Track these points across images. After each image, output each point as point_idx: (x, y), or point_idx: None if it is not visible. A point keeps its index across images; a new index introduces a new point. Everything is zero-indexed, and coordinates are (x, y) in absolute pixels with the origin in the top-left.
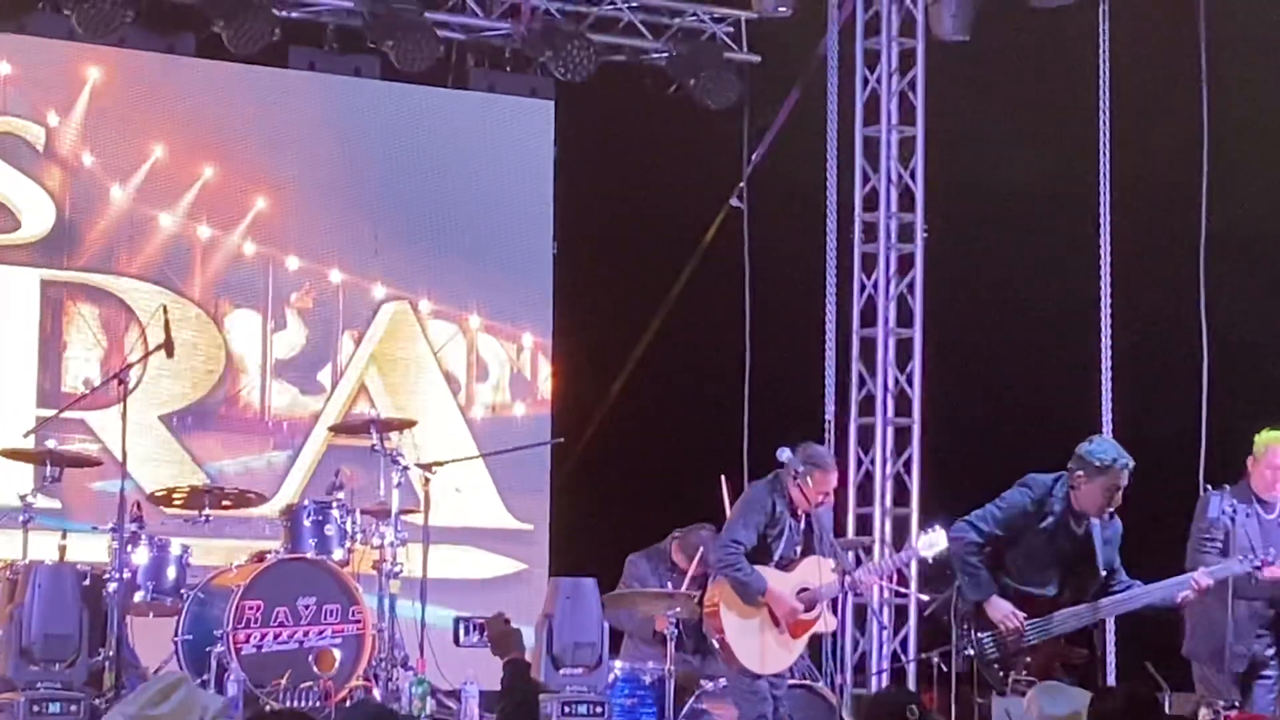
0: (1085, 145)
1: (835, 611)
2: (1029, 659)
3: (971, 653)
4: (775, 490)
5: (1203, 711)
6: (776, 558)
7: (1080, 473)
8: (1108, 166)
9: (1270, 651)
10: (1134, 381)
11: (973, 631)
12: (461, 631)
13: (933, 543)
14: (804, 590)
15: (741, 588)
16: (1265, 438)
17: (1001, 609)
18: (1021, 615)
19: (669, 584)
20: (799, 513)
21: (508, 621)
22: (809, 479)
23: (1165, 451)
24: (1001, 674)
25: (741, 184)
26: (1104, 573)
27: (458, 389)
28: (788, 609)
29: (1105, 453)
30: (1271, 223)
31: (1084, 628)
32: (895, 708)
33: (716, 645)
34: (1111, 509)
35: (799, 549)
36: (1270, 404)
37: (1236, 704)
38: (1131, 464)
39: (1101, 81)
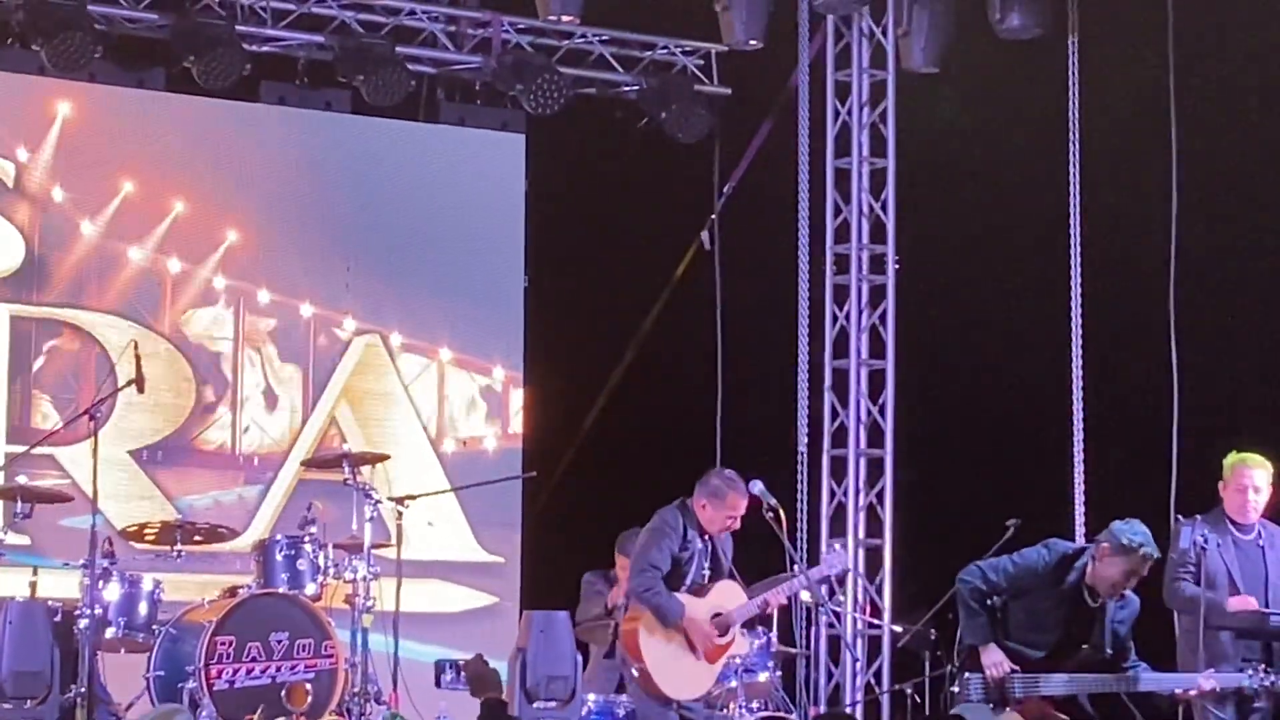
0: (1056, 175)
1: (795, 644)
2: (1009, 710)
3: (956, 690)
4: (685, 514)
5: None
6: (688, 582)
7: (1105, 545)
8: (1078, 197)
9: (1256, 682)
10: (1106, 411)
11: (962, 670)
12: (442, 673)
13: (833, 563)
14: (718, 615)
15: (660, 613)
16: (1232, 460)
17: (994, 658)
18: (1011, 668)
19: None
20: (705, 536)
21: (486, 663)
22: (709, 503)
23: (1137, 482)
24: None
25: (713, 216)
26: (1110, 651)
27: (429, 422)
28: (702, 633)
29: (1135, 536)
30: (1240, 248)
31: (1071, 695)
32: None
33: (635, 674)
34: (1123, 591)
35: (707, 573)
36: (1241, 429)
37: None
38: (1155, 555)
39: (1071, 112)
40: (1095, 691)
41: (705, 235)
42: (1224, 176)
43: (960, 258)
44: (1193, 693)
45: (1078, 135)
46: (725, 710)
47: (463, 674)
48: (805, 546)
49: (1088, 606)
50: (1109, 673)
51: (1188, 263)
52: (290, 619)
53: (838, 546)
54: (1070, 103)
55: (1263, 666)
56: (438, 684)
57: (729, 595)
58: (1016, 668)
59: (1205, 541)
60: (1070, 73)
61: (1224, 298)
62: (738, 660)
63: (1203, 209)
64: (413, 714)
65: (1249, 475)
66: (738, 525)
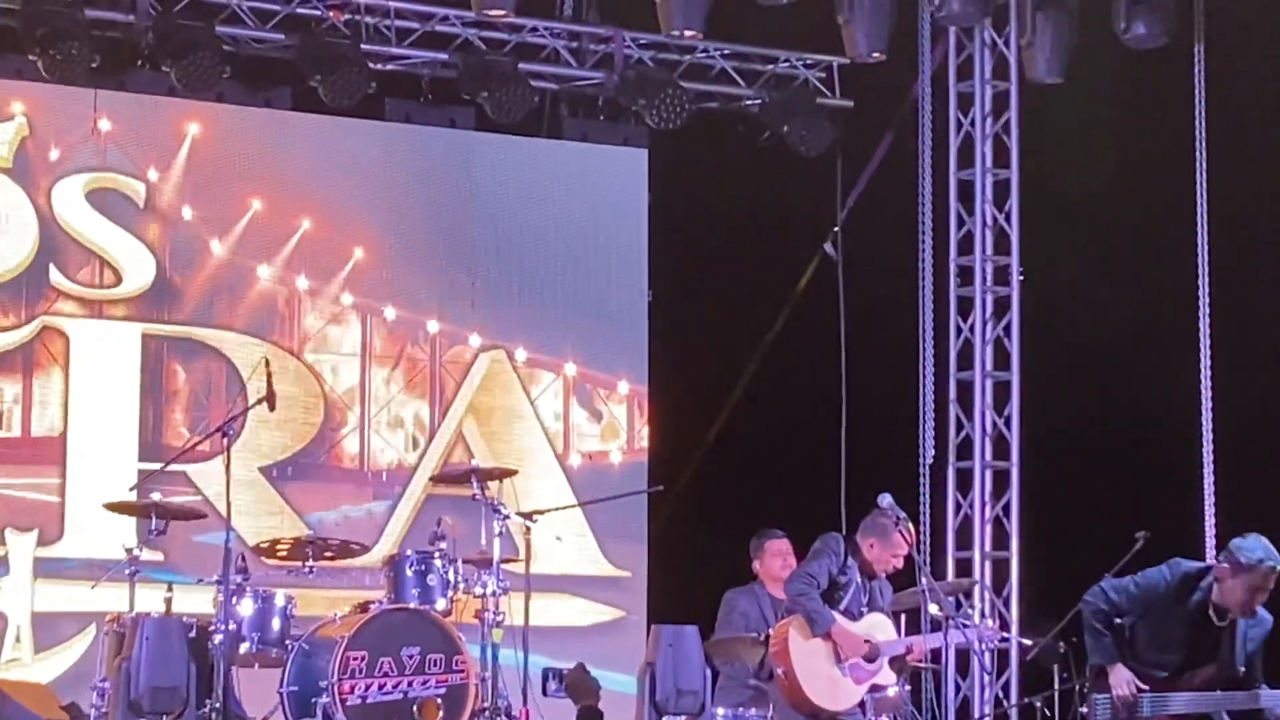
0: (1183, 184)
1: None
2: None
3: (1085, 710)
4: (849, 545)
5: None
6: (842, 608)
7: (1226, 566)
8: (1204, 204)
9: None
10: (1236, 421)
11: (1091, 691)
12: (547, 681)
13: (981, 636)
14: (868, 641)
15: (811, 618)
16: None
17: (1122, 677)
18: (1139, 688)
19: (775, 616)
20: (866, 577)
21: (586, 671)
22: (876, 543)
23: (1267, 494)
24: None
25: (836, 229)
26: (1241, 669)
27: (554, 437)
28: (854, 645)
29: (1254, 551)
30: None
31: (1203, 716)
32: None
33: (781, 675)
34: (1253, 608)
35: (865, 609)
36: None
37: None
38: (1279, 566)
39: (1198, 121)
40: (1221, 709)
41: (829, 246)
42: None
43: (1085, 268)
44: None
45: (1204, 144)
46: None
47: (564, 682)
48: (931, 559)
49: (1214, 625)
50: (1240, 691)
51: None
52: (421, 634)
53: (991, 623)
54: (1197, 111)
55: None
56: (544, 692)
57: (881, 628)
58: (1145, 687)
59: None
60: (1196, 81)
61: None
62: (879, 691)
63: None
64: None
65: None
66: (901, 565)
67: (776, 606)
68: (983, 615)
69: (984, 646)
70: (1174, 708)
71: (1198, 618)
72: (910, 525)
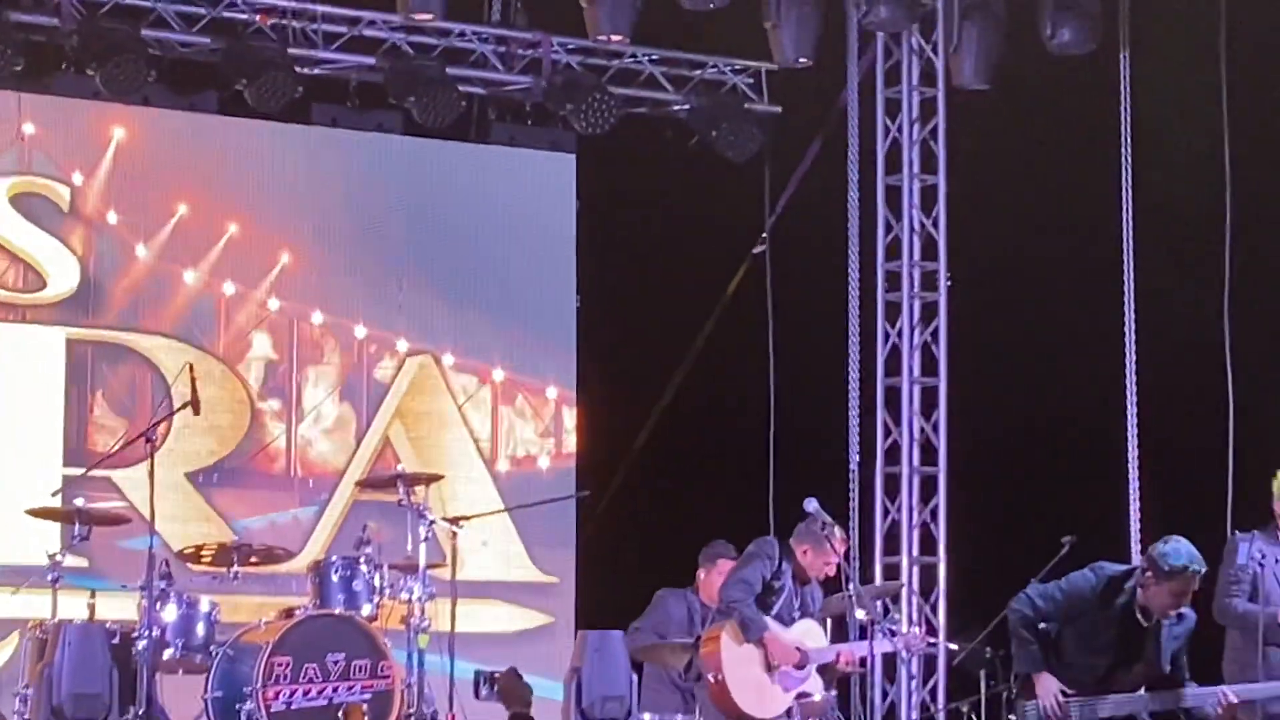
0: (1108, 190)
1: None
2: None
3: (1013, 718)
4: (783, 550)
5: None
6: (774, 613)
7: (1149, 573)
8: (1130, 212)
9: None
10: (1161, 425)
11: (1019, 698)
12: (480, 685)
13: (908, 644)
14: (799, 649)
15: (745, 624)
16: None
17: (1049, 687)
18: (1065, 695)
19: (702, 625)
20: (801, 580)
21: (519, 676)
22: (810, 549)
23: (1192, 497)
24: None
25: (764, 234)
26: (1167, 668)
27: (482, 442)
28: (785, 652)
29: (1177, 558)
30: None
31: (1129, 716)
32: None
33: (711, 681)
34: (1176, 611)
35: (797, 615)
36: None
37: None
38: (1202, 569)
39: (1124, 126)
40: (1146, 710)
41: (758, 252)
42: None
43: (1012, 274)
44: (1222, 708)
45: (1129, 150)
46: None
47: (496, 686)
48: (859, 564)
49: (1140, 627)
50: (1165, 690)
51: (1244, 276)
52: (346, 640)
53: (918, 630)
54: (1123, 117)
55: None
56: (476, 695)
57: (811, 635)
58: (1072, 692)
59: (1263, 557)
60: (1122, 87)
61: None
62: (806, 697)
63: (1259, 222)
64: None
65: None
66: (834, 572)
67: (706, 615)
68: (910, 621)
69: (911, 654)
70: (1102, 711)
71: (1124, 620)
72: (839, 529)
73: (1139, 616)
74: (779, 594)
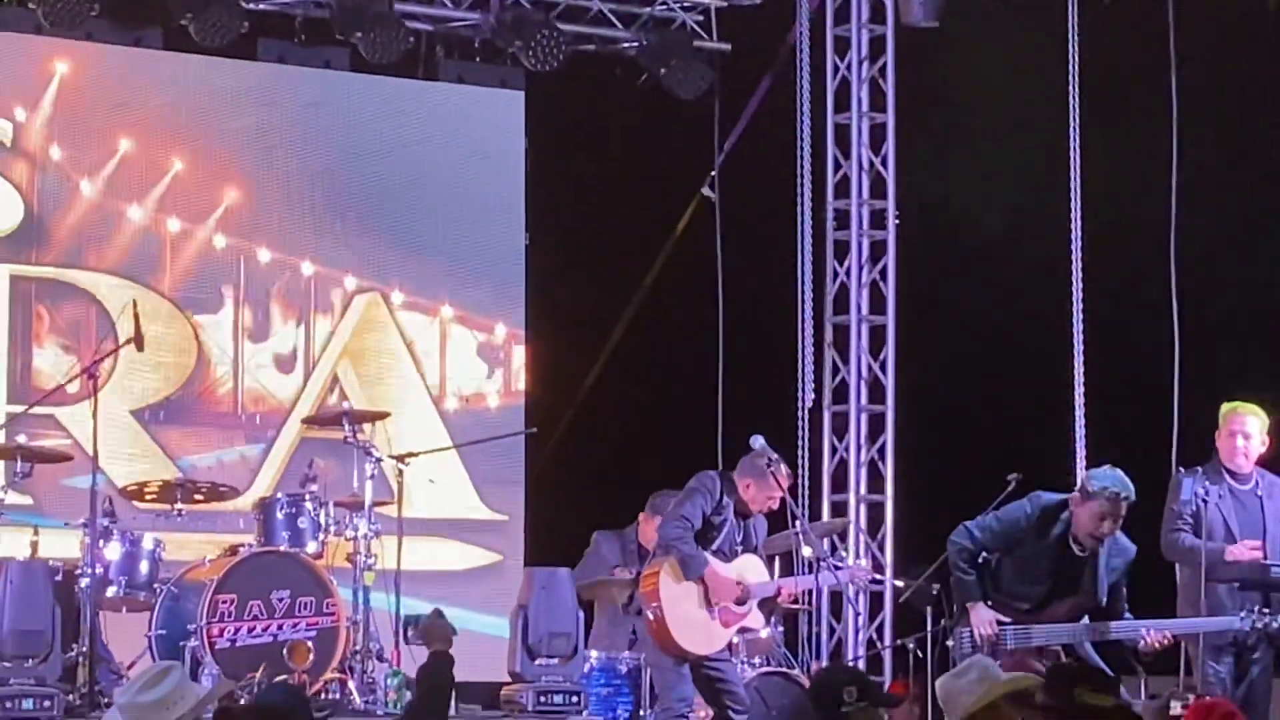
0: (1056, 129)
1: (804, 601)
2: (999, 662)
3: (950, 644)
4: (724, 483)
5: (1174, 703)
6: (714, 548)
7: (1077, 495)
8: (1078, 149)
9: (1248, 624)
10: (1108, 363)
11: (956, 626)
12: (407, 629)
13: (853, 577)
14: (739, 584)
15: (684, 561)
16: (1226, 407)
17: (983, 616)
18: (1000, 624)
19: (634, 567)
20: (743, 514)
21: (441, 616)
22: (753, 484)
23: (1138, 435)
24: None
25: (713, 173)
26: (1103, 599)
27: (430, 380)
28: (726, 589)
29: (1101, 479)
30: (1244, 201)
31: (1064, 645)
32: (832, 688)
33: (650, 618)
34: (1100, 536)
35: (739, 548)
36: (1243, 383)
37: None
38: (1126, 494)
39: (1071, 64)
40: (1081, 639)
41: (707, 190)
42: (1227, 126)
43: (960, 213)
44: (1145, 642)
45: (1077, 87)
46: None
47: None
48: (807, 502)
49: (1075, 556)
50: (1101, 621)
51: (1191, 214)
52: (291, 577)
53: (864, 563)
54: (1070, 55)
55: (1257, 608)
56: (405, 640)
57: (752, 569)
58: (1007, 620)
59: (1206, 494)
60: (1070, 24)
61: (1227, 248)
62: (750, 633)
63: (1205, 161)
64: (415, 671)
65: (1240, 421)
66: (777, 506)
67: (642, 556)
68: (856, 557)
69: (856, 587)
70: (1035, 639)
71: (1059, 550)
72: (784, 466)
73: (1074, 546)
74: (720, 529)
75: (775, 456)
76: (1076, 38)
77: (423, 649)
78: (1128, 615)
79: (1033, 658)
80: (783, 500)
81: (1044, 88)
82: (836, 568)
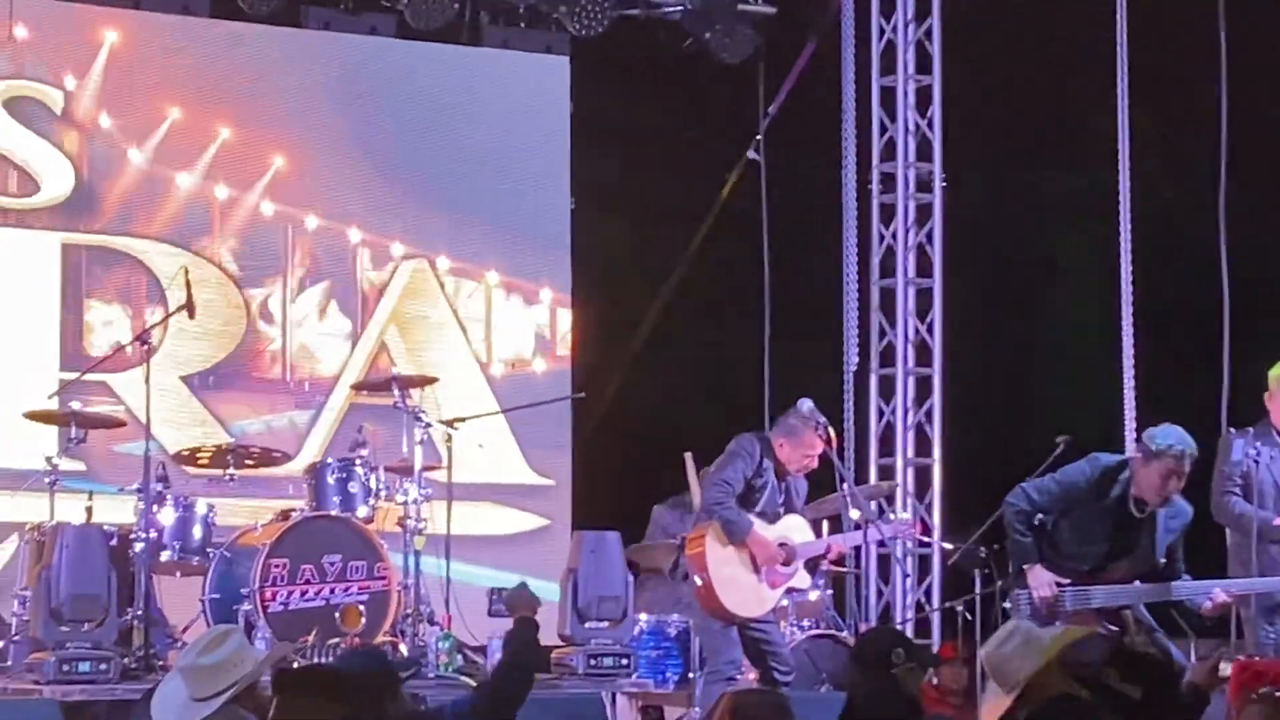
0: (1103, 88)
1: (845, 563)
2: (1058, 624)
3: (1008, 605)
4: (763, 445)
5: (1224, 665)
6: (757, 510)
7: (1139, 455)
8: (1125, 105)
9: None
10: (1156, 326)
11: (1013, 588)
12: (492, 601)
13: (897, 530)
14: (783, 544)
15: (728, 526)
16: (1276, 371)
17: (1041, 578)
18: (1059, 586)
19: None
20: (780, 477)
21: (525, 588)
22: (786, 442)
23: (1188, 395)
24: None
25: (758, 136)
26: (1162, 560)
27: (477, 345)
28: (770, 553)
29: (1164, 438)
30: None
31: (1123, 607)
32: (881, 650)
33: (698, 583)
34: (1166, 495)
35: (781, 509)
36: None
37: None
38: (1191, 451)
39: (1119, 22)
40: (1139, 601)
41: (752, 153)
42: (1278, 86)
43: (1007, 174)
44: (1212, 603)
45: (1124, 46)
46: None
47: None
48: (854, 465)
49: (1134, 517)
50: (1159, 583)
51: (1240, 165)
52: (343, 541)
53: (905, 515)
54: (1118, 14)
55: None
56: (489, 612)
57: (797, 529)
58: (1066, 581)
59: (1258, 454)
60: None
61: (1277, 209)
62: (799, 594)
63: (1256, 122)
64: (465, 635)
65: None
66: (815, 464)
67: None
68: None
69: (902, 540)
70: (1095, 601)
71: (1118, 511)
72: (830, 429)
73: (1132, 508)
74: (761, 491)
75: (822, 420)
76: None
77: (484, 617)
78: (1185, 576)
79: (1092, 619)
80: (830, 463)
81: (1091, 46)
82: (885, 521)
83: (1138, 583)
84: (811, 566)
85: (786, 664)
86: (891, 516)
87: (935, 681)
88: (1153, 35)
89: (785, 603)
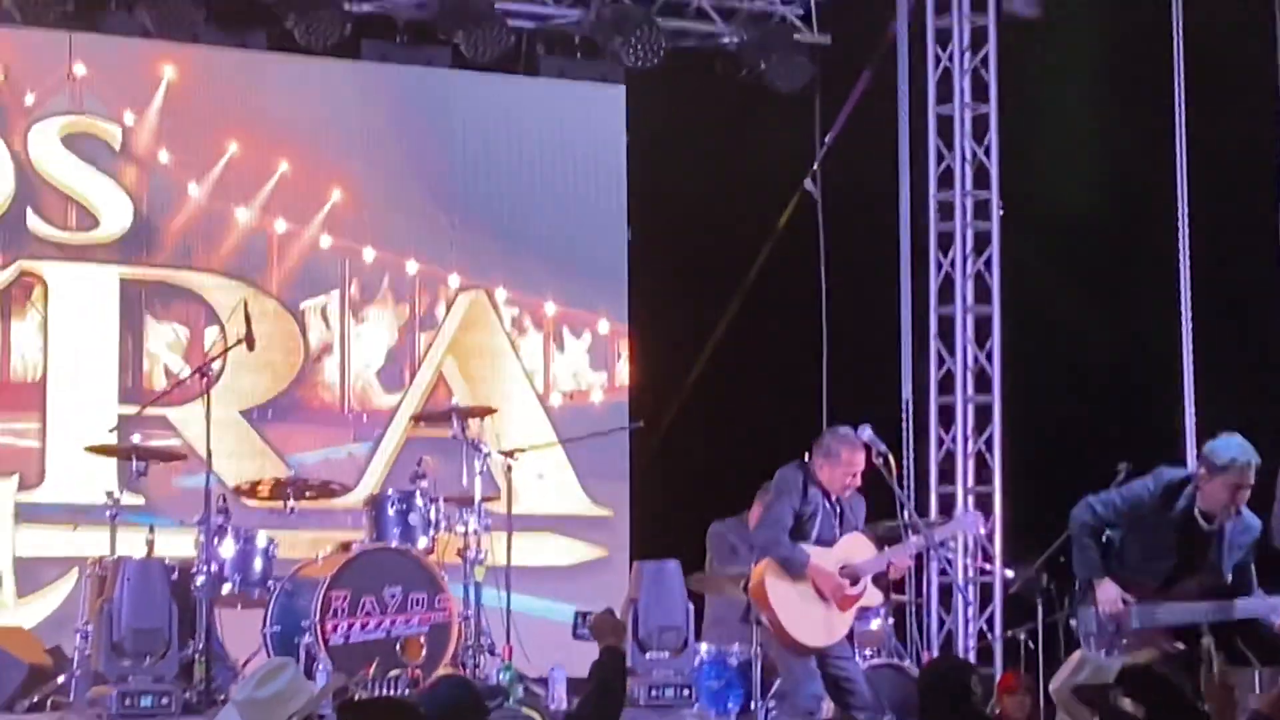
0: (1162, 116)
1: (892, 590)
2: (1125, 641)
3: (1074, 623)
4: (804, 472)
5: None
6: (814, 538)
7: (1204, 470)
8: (1183, 135)
9: None
10: (1216, 352)
11: (1079, 605)
12: (577, 625)
13: (968, 523)
14: (845, 566)
15: (786, 564)
16: None
17: (1109, 594)
18: (1126, 601)
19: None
20: (831, 498)
21: (613, 614)
22: (825, 464)
23: (1249, 425)
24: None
25: (815, 167)
26: (1229, 576)
27: (535, 376)
28: (832, 583)
29: (1226, 451)
30: None
31: (1190, 625)
32: (964, 681)
33: (766, 623)
34: (1236, 506)
35: (838, 531)
36: None
37: None
38: (1255, 462)
39: (1176, 55)
40: (1205, 619)
41: (809, 183)
42: None
43: (1065, 201)
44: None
45: (1183, 77)
46: None
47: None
48: (914, 494)
49: (1202, 531)
50: (1229, 599)
51: None
52: (403, 573)
53: (974, 511)
54: (1175, 39)
55: None
56: (574, 635)
57: (857, 548)
58: (1132, 599)
59: None
60: (1174, 14)
61: None
62: (871, 612)
63: None
64: (526, 666)
65: None
66: (858, 482)
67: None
68: (965, 550)
69: (968, 535)
70: (1161, 619)
71: (1185, 524)
72: (891, 457)
73: (1200, 520)
74: (813, 518)
75: (882, 447)
76: (1181, 26)
77: (551, 638)
78: (1259, 593)
79: (1160, 637)
80: (889, 490)
81: (1147, 76)
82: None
83: (1205, 602)
84: (882, 585)
85: (865, 701)
86: (952, 545)
87: (998, 711)
88: (1208, 55)
89: (852, 631)
